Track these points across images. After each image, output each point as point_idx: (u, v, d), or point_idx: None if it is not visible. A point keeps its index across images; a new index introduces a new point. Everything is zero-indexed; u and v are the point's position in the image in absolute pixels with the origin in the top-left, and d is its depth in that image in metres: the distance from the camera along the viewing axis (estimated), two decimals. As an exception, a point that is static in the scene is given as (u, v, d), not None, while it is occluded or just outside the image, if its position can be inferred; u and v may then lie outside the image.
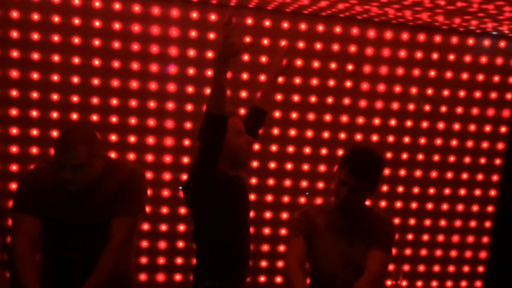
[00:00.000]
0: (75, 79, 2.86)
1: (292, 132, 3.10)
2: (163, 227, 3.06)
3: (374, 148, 2.13)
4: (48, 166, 2.14)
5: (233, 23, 1.85)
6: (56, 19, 2.80)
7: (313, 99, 3.09)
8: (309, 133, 3.12)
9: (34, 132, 2.87)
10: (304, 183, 3.16)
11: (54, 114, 2.88)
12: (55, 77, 2.85)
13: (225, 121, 1.95)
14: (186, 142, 3.00)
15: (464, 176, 3.29)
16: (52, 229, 2.10)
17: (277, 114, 3.06)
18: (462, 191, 3.30)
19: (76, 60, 2.85)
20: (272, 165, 3.11)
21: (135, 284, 2.97)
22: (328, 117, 3.11)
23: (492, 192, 3.33)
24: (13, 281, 2.04)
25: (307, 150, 3.13)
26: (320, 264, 2.15)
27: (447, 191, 3.29)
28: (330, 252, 2.12)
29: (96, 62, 2.86)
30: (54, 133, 2.86)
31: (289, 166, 3.13)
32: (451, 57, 3.16)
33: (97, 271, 2.01)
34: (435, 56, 3.14)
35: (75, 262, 2.14)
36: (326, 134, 3.13)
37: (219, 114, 1.93)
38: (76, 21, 2.81)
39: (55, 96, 2.86)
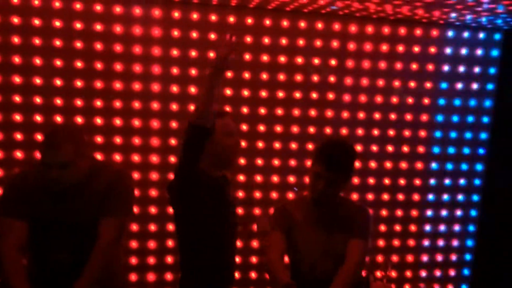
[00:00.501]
0: (58, 82, 2.85)
1: (278, 129, 3.12)
2: (152, 227, 3.06)
3: (345, 140, 2.19)
4: (34, 169, 2.15)
5: (233, 42, 1.94)
6: (37, 22, 2.79)
7: (297, 94, 3.12)
8: (295, 129, 3.14)
9: (18, 136, 2.86)
10: (291, 179, 3.18)
11: (38, 118, 2.86)
12: (38, 80, 2.84)
13: (206, 131, 1.98)
14: (173, 141, 3.01)
15: (449, 167, 3.35)
16: (39, 231, 2.10)
17: (262, 110, 3.09)
18: (447, 181, 3.36)
19: (58, 62, 2.83)
20: (259, 161, 3.14)
21: (126, 284, 2.98)
22: (313, 112, 3.14)
23: (477, 181, 3.39)
24: (2, 286, 2.03)
25: (293, 145, 3.16)
26: (300, 257, 2.18)
27: (432, 181, 3.34)
28: (310, 244, 2.15)
29: (79, 64, 2.86)
30: (38, 137, 2.84)
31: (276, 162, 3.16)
32: (432, 49, 3.20)
33: (86, 272, 2.02)
34: (416, 49, 3.18)
35: (63, 264, 2.14)
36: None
37: (201, 124, 1.96)
38: (57, 23, 2.81)
39: (38, 99, 2.85)
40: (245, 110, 3.07)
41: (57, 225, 2.11)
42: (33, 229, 2.09)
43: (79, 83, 2.87)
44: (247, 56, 3.01)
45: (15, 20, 2.77)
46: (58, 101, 2.87)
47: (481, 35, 3.23)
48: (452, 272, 3.45)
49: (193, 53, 2.94)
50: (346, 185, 2.12)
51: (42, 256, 2.16)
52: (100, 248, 2.07)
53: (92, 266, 2.04)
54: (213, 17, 2.94)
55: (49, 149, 1.96)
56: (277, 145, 3.13)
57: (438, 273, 3.42)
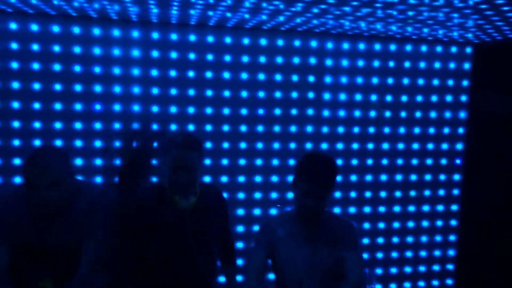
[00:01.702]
0: (37, 105, 2.83)
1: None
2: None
3: (326, 154, 2.20)
4: (14, 192, 2.10)
5: None
6: (15, 46, 2.78)
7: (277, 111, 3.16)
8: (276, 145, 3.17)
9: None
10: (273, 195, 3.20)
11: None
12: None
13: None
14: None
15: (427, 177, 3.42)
16: (22, 257, 2.06)
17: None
18: (426, 191, 3.42)
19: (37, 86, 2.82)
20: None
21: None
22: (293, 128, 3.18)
23: (455, 191, 3.46)
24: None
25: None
26: (286, 274, 2.17)
27: (412, 192, 3.40)
28: (294, 261, 2.15)
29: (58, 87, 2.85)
30: (17, 161, 2.80)
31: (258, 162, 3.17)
32: (407, 64, 3.29)
33: None
34: (391, 64, 3.27)
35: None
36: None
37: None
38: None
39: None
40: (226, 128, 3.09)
41: (40, 250, 2.07)
42: (15, 254, 2.05)
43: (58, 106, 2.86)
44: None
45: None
46: (37, 125, 2.85)
47: (453, 49, 3.34)
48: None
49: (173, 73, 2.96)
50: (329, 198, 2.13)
51: (25, 282, 2.11)
52: (83, 269, 2.04)
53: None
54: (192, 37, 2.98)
55: (37, 170, 1.93)
56: (258, 162, 3.15)
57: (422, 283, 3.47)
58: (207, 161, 3.04)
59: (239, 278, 3.12)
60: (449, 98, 3.37)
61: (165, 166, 2.18)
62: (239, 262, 3.13)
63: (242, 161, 3.12)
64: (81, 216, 2.08)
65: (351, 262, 2.08)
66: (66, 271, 2.06)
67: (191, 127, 3.01)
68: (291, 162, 3.16)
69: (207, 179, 3.03)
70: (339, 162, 3.22)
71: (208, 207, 2.28)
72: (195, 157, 2.16)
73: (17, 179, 2.80)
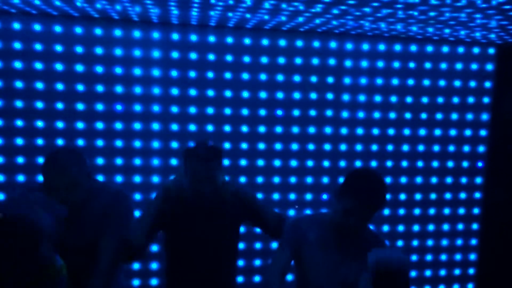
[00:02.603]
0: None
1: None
2: (154, 248, 3.06)
3: (375, 172, 2.08)
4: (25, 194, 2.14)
5: None
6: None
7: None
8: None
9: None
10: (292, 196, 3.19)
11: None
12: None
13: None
14: (173, 161, 3.02)
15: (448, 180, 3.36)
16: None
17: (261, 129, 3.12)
18: (447, 195, 3.37)
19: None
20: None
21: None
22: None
23: (477, 195, 3.40)
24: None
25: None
26: (308, 277, 2.13)
27: (433, 195, 3.35)
28: (319, 267, 2.10)
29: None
30: (40, 160, 2.86)
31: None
32: (428, 65, 3.25)
33: None
34: (412, 65, 3.23)
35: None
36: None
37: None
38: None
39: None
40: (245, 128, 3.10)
41: (59, 249, 2.10)
42: None
43: (80, 106, 2.91)
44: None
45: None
46: (60, 124, 2.90)
47: (476, 50, 3.28)
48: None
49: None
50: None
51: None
52: (100, 270, 2.07)
53: (93, 285, 2.03)
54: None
55: (54, 172, 1.97)
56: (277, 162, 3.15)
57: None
58: (226, 162, 3.06)
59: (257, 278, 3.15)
60: (471, 99, 3.31)
61: (186, 174, 2.20)
62: (257, 262, 3.15)
63: (260, 162, 3.13)
64: (98, 217, 2.11)
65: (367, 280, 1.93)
66: (84, 270, 2.09)
67: (210, 128, 3.03)
68: (309, 163, 3.16)
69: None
70: (358, 163, 3.20)
71: (223, 207, 2.30)
72: (216, 166, 2.17)
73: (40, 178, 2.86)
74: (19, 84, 2.83)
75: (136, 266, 3.04)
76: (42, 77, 2.84)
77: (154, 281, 3.07)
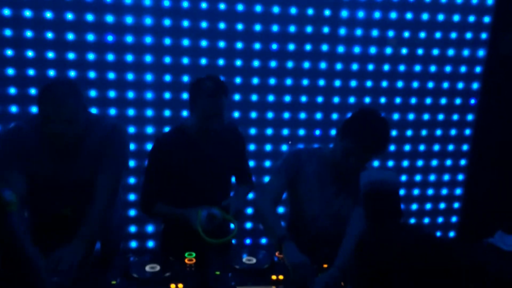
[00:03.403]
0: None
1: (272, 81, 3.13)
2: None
3: (382, 117, 2.00)
4: (28, 123, 2.11)
5: None
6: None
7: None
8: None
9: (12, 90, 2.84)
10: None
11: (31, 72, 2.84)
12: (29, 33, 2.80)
13: None
14: (167, 95, 3.00)
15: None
16: (39, 187, 2.11)
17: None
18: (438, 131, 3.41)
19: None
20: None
21: (125, 236, 3.06)
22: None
23: (467, 131, 3.45)
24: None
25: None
26: (302, 209, 2.18)
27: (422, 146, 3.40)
28: (314, 199, 2.15)
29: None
30: (32, 91, 2.82)
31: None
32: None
33: (86, 225, 2.04)
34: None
35: (64, 218, 2.17)
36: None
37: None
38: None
39: (30, 53, 2.82)
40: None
41: (56, 182, 2.11)
42: (32, 184, 2.08)
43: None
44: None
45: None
46: (50, 55, 2.84)
47: (476, -16, 3.19)
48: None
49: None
50: None
51: (43, 211, 2.19)
52: (98, 200, 2.10)
53: (91, 219, 2.07)
54: None
55: (53, 104, 1.92)
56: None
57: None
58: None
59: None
60: (469, 35, 3.27)
61: (192, 112, 2.17)
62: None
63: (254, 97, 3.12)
64: (95, 150, 2.10)
65: (358, 216, 1.96)
66: (83, 201, 2.13)
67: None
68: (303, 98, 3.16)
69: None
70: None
71: (223, 141, 2.30)
72: (225, 102, 2.14)
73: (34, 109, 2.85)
74: (6, 11, 2.74)
75: (132, 197, 3.12)
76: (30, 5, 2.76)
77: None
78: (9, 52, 2.79)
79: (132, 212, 3.14)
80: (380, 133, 1.94)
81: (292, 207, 2.29)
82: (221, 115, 2.13)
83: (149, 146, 3.02)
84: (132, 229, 3.16)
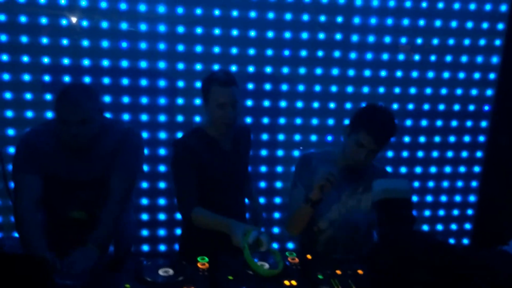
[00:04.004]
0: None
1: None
2: (162, 185, 3.13)
3: (388, 109, 2.11)
4: (45, 126, 2.17)
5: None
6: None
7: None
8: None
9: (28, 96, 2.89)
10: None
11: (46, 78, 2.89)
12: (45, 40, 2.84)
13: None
14: (180, 101, 3.03)
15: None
16: (55, 189, 2.15)
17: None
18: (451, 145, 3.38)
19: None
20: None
21: (137, 239, 3.08)
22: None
23: (481, 138, 3.42)
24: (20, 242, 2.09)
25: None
26: (318, 213, 2.19)
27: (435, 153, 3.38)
28: (329, 202, 2.17)
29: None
30: (48, 96, 2.87)
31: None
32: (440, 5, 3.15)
33: (99, 227, 2.08)
34: (424, 4, 3.14)
35: (79, 221, 2.21)
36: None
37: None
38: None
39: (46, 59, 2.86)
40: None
41: (71, 183, 2.16)
42: (48, 186, 2.13)
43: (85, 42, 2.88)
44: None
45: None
46: (66, 61, 2.88)
47: (490, -10, 3.17)
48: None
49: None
50: None
51: (58, 213, 2.22)
52: (111, 203, 2.13)
53: (104, 221, 2.10)
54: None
55: (69, 106, 1.99)
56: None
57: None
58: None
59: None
60: (482, 42, 3.25)
61: (207, 106, 2.19)
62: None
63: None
64: (108, 152, 2.15)
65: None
66: (96, 203, 2.16)
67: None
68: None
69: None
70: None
71: (242, 147, 2.35)
72: (237, 93, 2.17)
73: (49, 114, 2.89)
74: (23, 18, 2.80)
75: (144, 201, 3.14)
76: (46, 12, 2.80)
77: (161, 216, 3.18)
78: (25, 59, 2.84)
79: (145, 216, 3.16)
80: (388, 123, 2.05)
81: None
82: (234, 105, 2.15)
83: (162, 151, 3.06)
84: (144, 232, 3.17)
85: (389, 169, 3.30)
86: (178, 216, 3.17)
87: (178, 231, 3.20)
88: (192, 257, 1.90)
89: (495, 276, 1.66)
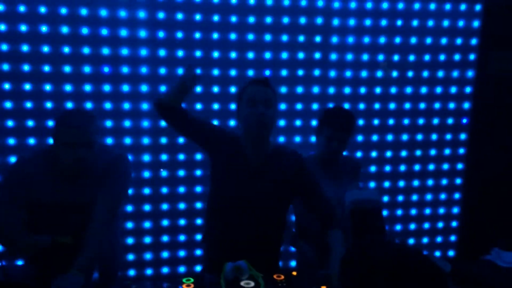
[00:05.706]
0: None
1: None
2: (147, 207, 3.13)
3: (342, 106, 2.57)
4: (30, 153, 2.18)
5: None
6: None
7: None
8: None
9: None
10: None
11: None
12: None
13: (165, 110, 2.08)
14: (163, 123, 3.04)
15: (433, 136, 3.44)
16: (41, 213, 2.14)
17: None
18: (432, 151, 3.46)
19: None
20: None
21: (123, 264, 3.05)
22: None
23: (461, 150, 3.49)
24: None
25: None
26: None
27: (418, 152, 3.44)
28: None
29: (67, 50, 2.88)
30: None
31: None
32: (415, 23, 3.26)
33: (83, 250, 2.06)
34: (399, 23, 3.24)
35: (64, 244, 2.19)
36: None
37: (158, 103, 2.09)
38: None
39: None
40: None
41: (59, 208, 2.15)
42: (35, 211, 2.13)
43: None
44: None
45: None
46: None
47: (462, 7, 3.28)
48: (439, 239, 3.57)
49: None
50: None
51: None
52: (96, 226, 2.11)
53: (88, 244, 2.07)
54: None
55: (73, 129, 2.02)
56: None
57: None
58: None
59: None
60: (457, 57, 3.35)
61: (241, 111, 2.07)
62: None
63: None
64: (98, 176, 2.16)
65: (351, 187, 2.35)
66: (84, 227, 2.15)
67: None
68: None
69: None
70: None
71: (278, 170, 2.11)
72: (273, 95, 2.05)
73: (31, 141, 2.89)
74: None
75: (129, 225, 3.12)
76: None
77: (147, 239, 3.17)
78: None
79: (130, 240, 3.14)
80: (346, 115, 2.41)
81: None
82: (267, 104, 2.00)
83: (146, 174, 3.06)
84: (130, 257, 3.15)
85: (372, 184, 3.37)
86: (165, 239, 3.17)
87: (165, 254, 3.19)
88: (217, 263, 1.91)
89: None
